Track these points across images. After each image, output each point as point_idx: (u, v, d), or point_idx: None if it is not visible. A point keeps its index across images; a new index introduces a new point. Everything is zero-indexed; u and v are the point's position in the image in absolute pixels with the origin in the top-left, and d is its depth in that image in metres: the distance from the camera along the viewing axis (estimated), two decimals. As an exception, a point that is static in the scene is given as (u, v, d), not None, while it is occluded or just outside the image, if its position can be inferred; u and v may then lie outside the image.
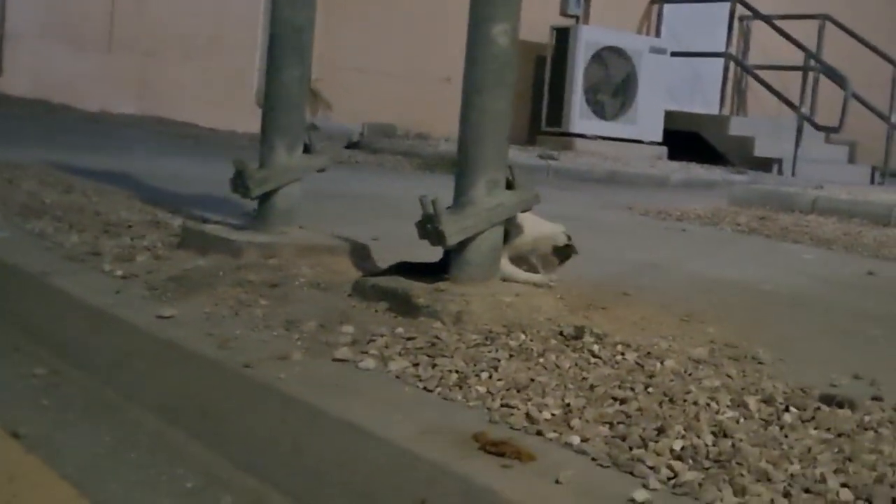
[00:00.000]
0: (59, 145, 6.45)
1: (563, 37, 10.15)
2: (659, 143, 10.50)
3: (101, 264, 2.75)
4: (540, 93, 10.35)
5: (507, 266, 2.67)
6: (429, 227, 2.49)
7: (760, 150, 10.68)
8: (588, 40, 10.05)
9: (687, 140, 10.69)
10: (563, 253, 2.76)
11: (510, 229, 2.62)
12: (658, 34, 11.61)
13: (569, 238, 2.77)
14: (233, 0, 9.58)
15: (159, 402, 2.08)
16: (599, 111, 10.24)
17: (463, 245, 2.51)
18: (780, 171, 10.50)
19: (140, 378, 2.16)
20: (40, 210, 3.51)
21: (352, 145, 8.96)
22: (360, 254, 3.00)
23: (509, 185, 2.57)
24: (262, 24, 9.09)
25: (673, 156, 10.41)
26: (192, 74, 9.87)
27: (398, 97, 9.78)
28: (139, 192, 4.27)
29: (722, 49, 11.59)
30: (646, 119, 10.46)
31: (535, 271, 2.72)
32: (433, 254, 2.67)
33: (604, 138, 10.14)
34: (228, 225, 3.21)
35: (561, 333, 2.36)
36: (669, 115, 10.70)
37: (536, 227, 2.72)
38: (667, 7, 11.77)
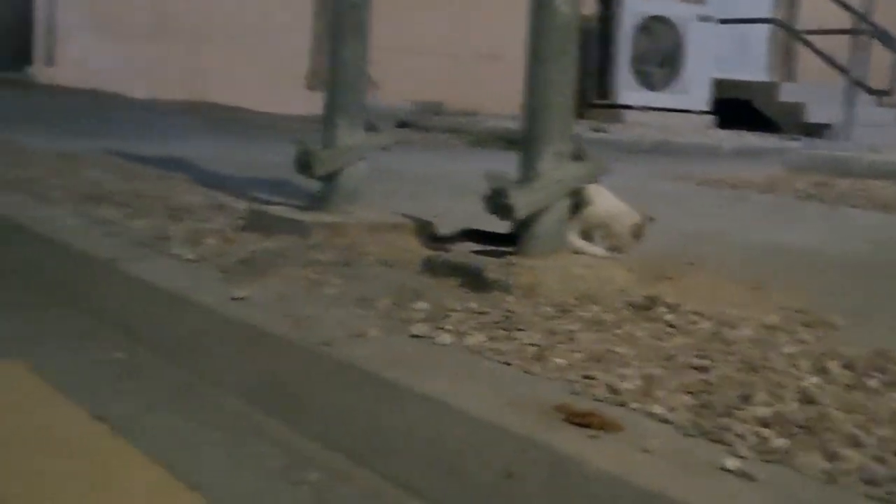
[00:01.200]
0: (114, 133, 6.50)
1: (608, 7, 10.05)
2: (708, 112, 10.39)
3: (170, 248, 2.76)
4: (588, 66, 10.27)
5: (573, 238, 2.65)
6: (497, 202, 2.48)
7: (811, 116, 10.53)
8: (634, 10, 9.95)
9: (736, 108, 10.57)
10: (637, 232, 2.74)
11: (579, 202, 2.60)
12: (704, 2, 11.46)
13: (645, 216, 2.75)
14: (279, -17, 9.59)
15: (238, 383, 2.09)
16: (647, 82, 10.15)
17: (532, 218, 2.50)
18: (831, 137, 10.35)
19: (217, 359, 2.18)
20: (105, 197, 3.53)
21: (401, 124, 8.95)
22: (424, 230, 3.00)
23: (576, 157, 2.55)
24: (312, 6, 9.11)
25: (722, 124, 10.30)
26: (241, 58, 9.91)
27: (445, 75, 9.75)
28: (198, 176, 4.29)
29: (769, 15, 11.42)
30: (694, 88, 10.36)
31: (610, 243, 2.71)
32: (496, 229, 2.67)
33: (652, 109, 10.05)
34: (293, 206, 3.22)
35: (633, 304, 2.35)
36: (718, 84, 10.58)
37: (608, 204, 2.70)
38: (712, -26, 11.62)
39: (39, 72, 12.61)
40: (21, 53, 12.97)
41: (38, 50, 12.72)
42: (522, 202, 2.46)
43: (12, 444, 1.79)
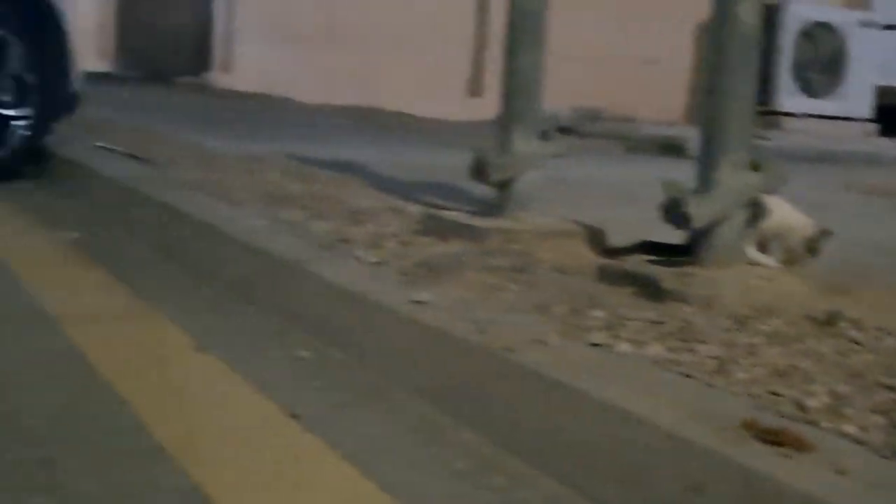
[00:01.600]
0: (288, 137, 6.65)
1: (770, 14, 9.76)
2: (870, 120, 9.99)
3: (352, 251, 2.80)
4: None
5: (749, 249, 2.58)
6: (674, 211, 2.43)
7: (979, 124, 10.01)
8: (796, 16, 9.64)
9: (900, 115, 10.14)
10: (813, 246, 2.64)
11: (757, 213, 2.52)
12: (869, 8, 11.03)
13: (822, 232, 2.65)
14: (444, -9, 9.65)
15: (422, 385, 2.10)
16: (808, 88, 9.82)
17: (709, 228, 2.43)
18: None
19: (401, 361, 2.19)
20: (286, 199, 3.61)
21: (560, 130, 8.89)
22: (596, 238, 2.96)
23: (755, 167, 2.47)
24: (474, 13, 9.14)
25: (885, 132, 9.89)
26: (406, 64, 10.01)
27: (602, 81, 9.64)
28: (370, 179, 4.34)
29: (937, 20, 10.91)
30: (856, 95, 9.97)
31: (785, 255, 2.62)
32: (662, 236, 2.62)
33: (812, 116, 9.72)
34: (466, 211, 3.22)
35: (813, 318, 2.26)
36: (881, 91, 10.16)
37: (785, 215, 2.61)
38: (877, -21, 11.17)
39: (217, 77, 13.04)
40: (201, 60, 13.44)
41: (216, 56, 13.17)
42: (700, 212, 2.40)
43: (217, 438, 1.84)
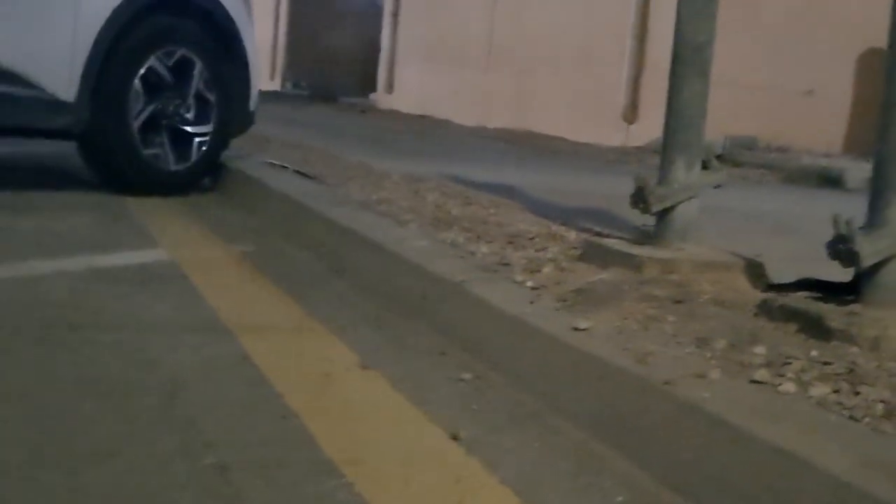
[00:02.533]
0: (447, 158, 6.70)
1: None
2: None
3: (511, 274, 2.78)
4: None
5: None
6: (841, 248, 2.33)
7: None
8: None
9: None
10: None
11: None
12: None
13: None
14: (602, 16, 9.59)
15: (580, 413, 2.06)
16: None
17: (877, 267, 2.32)
18: None
19: (561, 387, 2.16)
20: (449, 221, 3.63)
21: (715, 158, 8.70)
22: (755, 271, 2.87)
23: (927, 207, 2.35)
24: (630, 40, 9.05)
25: None
26: (562, 89, 9.99)
27: (758, 110, 9.40)
28: (528, 204, 4.33)
29: None
30: None
31: None
32: (830, 272, 2.51)
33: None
34: (625, 239, 3.17)
35: None
36: None
37: None
38: None
39: (380, 98, 13.28)
40: (365, 81, 13.72)
41: (380, 77, 13.41)
42: (868, 250, 2.30)
43: (382, 455, 1.85)
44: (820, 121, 9.27)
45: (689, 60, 2.97)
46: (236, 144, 5.41)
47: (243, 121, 5.20)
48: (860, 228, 2.36)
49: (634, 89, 9.12)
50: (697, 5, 2.98)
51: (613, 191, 3.78)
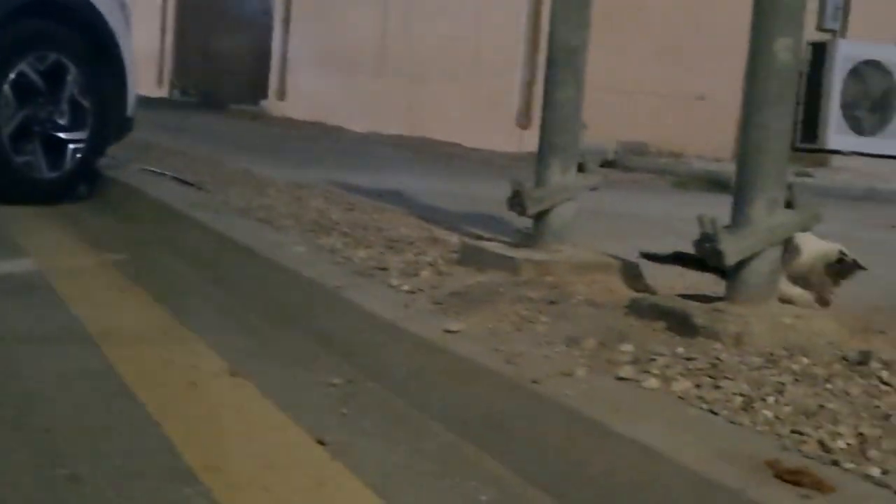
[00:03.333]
0: (336, 165, 6.70)
1: (819, 52, 9.69)
2: (920, 159, 9.85)
3: (388, 279, 2.80)
4: (794, 109, 9.92)
5: (785, 286, 2.54)
6: (707, 246, 2.40)
7: None
8: (845, 55, 9.56)
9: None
10: (839, 271, 2.57)
11: (788, 250, 2.49)
12: (919, 47, 10.91)
13: (844, 255, 2.58)
14: (493, 24, 9.69)
15: (450, 414, 2.09)
16: (856, 127, 9.71)
17: (741, 265, 2.41)
18: None
19: (431, 390, 2.19)
20: (329, 226, 3.63)
21: (605, 164, 8.87)
22: (630, 272, 2.94)
23: (788, 204, 2.45)
24: (523, 46, 9.17)
25: (935, 172, 9.74)
26: (455, 96, 10.06)
27: (650, 115, 9.61)
28: (413, 209, 4.36)
29: None
30: (906, 134, 9.84)
31: (816, 292, 2.57)
32: (701, 274, 2.60)
33: (861, 154, 9.61)
34: (504, 242, 3.22)
35: (845, 358, 2.22)
36: (931, 131, 10.02)
37: (813, 246, 2.56)
38: (928, 19, 11.04)
39: (272, 105, 13.19)
40: (256, 87, 13.61)
41: (271, 84, 13.33)
42: (732, 248, 2.37)
43: (243, 462, 1.85)
44: (710, 125, 9.52)
45: (563, 65, 3.03)
46: (115, 152, 5.32)
47: (121, 127, 5.12)
48: (726, 227, 2.44)
49: (527, 95, 9.23)
50: (570, 11, 3.05)
51: (503, 195, 3.83)
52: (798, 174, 8.21)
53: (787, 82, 2.42)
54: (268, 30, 13.37)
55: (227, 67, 14.35)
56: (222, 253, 3.42)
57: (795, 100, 2.47)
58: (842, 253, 2.49)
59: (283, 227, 3.59)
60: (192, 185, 4.68)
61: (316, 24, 12.47)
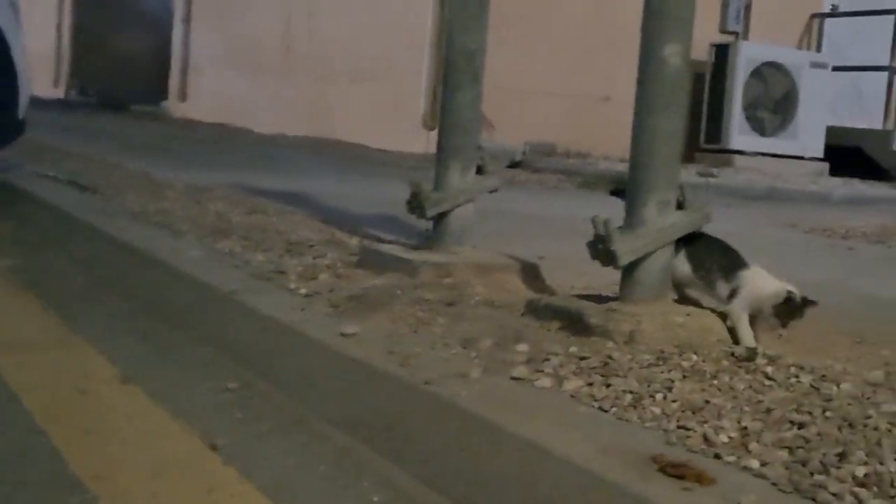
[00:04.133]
0: (240, 167, 6.67)
1: (722, 53, 9.93)
2: (820, 159, 10.17)
3: (286, 282, 2.82)
4: (699, 110, 10.16)
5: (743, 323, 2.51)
6: (600, 247, 2.47)
7: (926, 165, 10.23)
8: (748, 56, 9.82)
9: (849, 156, 10.32)
10: (789, 311, 2.47)
11: (737, 286, 2.48)
12: (819, 49, 11.26)
13: (792, 294, 2.51)
14: (400, 25, 9.73)
15: (345, 417, 2.12)
16: (759, 127, 9.98)
17: (634, 265, 2.48)
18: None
19: (326, 393, 2.21)
20: (227, 230, 3.63)
21: (514, 165, 8.97)
22: (530, 273, 3.00)
23: (680, 206, 2.53)
24: (429, 48, 9.22)
25: (834, 172, 10.06)
26: (361, 98, 10.07)
27: (558, 116, 9.75)
28: (316, 212, 4.37)
29: (886, 63, 11.14)
30: (806, 135, 10.15)
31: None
32: (599, 272, 2.66)
33: (763, 154, 9.88)
34: (404, 245, 3.26)
35: (733, 354, 2.31)
36: (831, 131, 10.35)
37: (761, 286, 2.53)
38: (828, 21, 11.41)
39: (173, 106, 13.03)
40: (157, 88, 13.43)
41: (173, 85, 13.17)
42: (624, 249, 2.45)
43: (132, 470, 1.85)
44: (617, 127, 9.66)
45: (462, 67, 3.08)
46: (6, 155, 5.22)
47: (11, 130, 5.02)
48: (618, 228, 2.50)
49: (434, 96, 9.28)
50: (468, 14, 3.10)
51: (405, 198, 3.84)
52: (702, 174, 8.41)
53: (676, 86, 2.50)
54: (169, 28, 13.20)
55: (126, 67, 14.12)
56: (116, 258, 3.39)
57: (688, 103, 2.54)
58: (790, 293, 2.48)
59: (180, 231, 3.57)
60: (87, 188, 4.62)
61: (218, 23, 12.35)
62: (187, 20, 12.87)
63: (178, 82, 13.01)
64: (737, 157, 9.77)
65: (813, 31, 11.47)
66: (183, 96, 12.97)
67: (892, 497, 1.54)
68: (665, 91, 2.49)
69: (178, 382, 2.35)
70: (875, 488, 1.57)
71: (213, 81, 12.25)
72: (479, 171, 3.18)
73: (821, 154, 10.19)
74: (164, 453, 1.93)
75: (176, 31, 13.11)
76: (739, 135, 9.81)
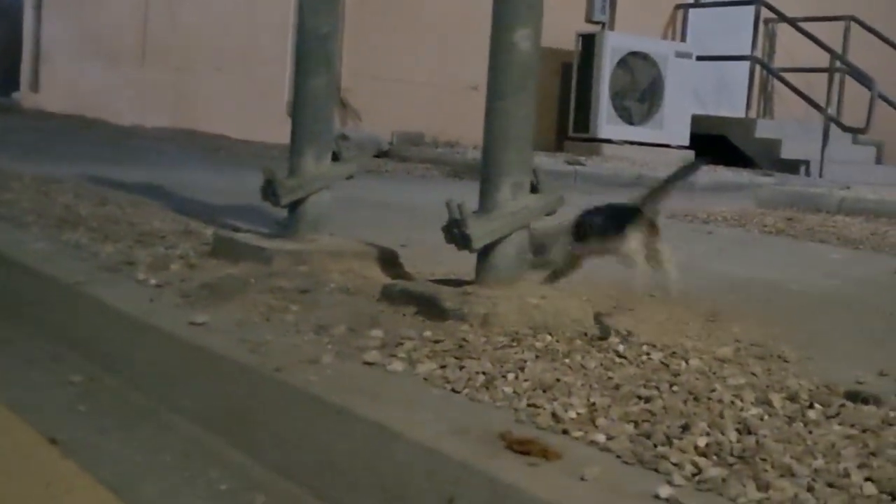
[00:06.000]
0: (94, 159, 6.52)
1: (588, 43, 10.15)
2: (686, 147, 10.47)
3: (135, 273, 2.78)
4: (567, 99, 10.35)
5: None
6: (455, 231, 2.50)
7: (787, 153, 10.63)
8: (614, 46, 10.05)
9: (713, 143, 10.66)
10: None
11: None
12: (683, 39, 11.59)
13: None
14: (263, 12, 9.64)
15: (193, 407, 2.11)
16: (626, 116, 10.23)
17: (489, 248, 2.52)
18: (807, 173, 10.45)
19: (174, 383, 2.19)
20: (75, 222, 3.55)
21: (381, 154, 9.00)
22: (388, 260, 3.02)
23: (534, 189, 2.58)
24: (292, 35, 9.15)
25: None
26: (224, 87, 9.94)
27: (426, 105, 9.81)
28: (172, 202, 4.31)
29: (748, 52, 11.54)
30: (672, 123, 10.44)
31: None
32: (460, 259, 2.69)
33: (631, 143, 10.13)
34: (259, 233, 3.24)
35: (586, 334, 2.37)
36: (696, 119, 10.67)
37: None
38: (692, 12, 11.75)
39: (25, 97, 12.64)
40: (9, 79, 13.01)
41: (25, 75, 12.77)
42: (479, 232, 2.49)
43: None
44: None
45: (313, 52, 3.08)
46: None
47: None
48: (473, 212, 2.54)
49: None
50: (319, -3, 3.10)
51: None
52: (570, 163, 8.58)
53: (527, 71, 2.54)
54: (20, 14, 12.80)
55: (-27, 56, 13.64)
56: (-46, 252, 3.29)
57: (536, 87, 2.59)
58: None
59: (24, 223, 3.48)
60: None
61: (71, 11, 12.03)
62: (39, 6, 12.49)
63: (30, 72, 12.62)
64: (605, 145, 9.99)
65: (677, 21, 11.80)
66: (35, 86, 12.59)
67: (731, 465, 1.60)
68: (515, 75, 2.54)
69: (19, 377, 2.30)
70: (715, 457, 1.63)
71: (68, 71, 11.92)
72: (336, 157, 3.18)
73: (687, 142, 10.51)
74: (2, 449, 1.89)
75: (27, 18, 12.71)
76: (607, 124, 10.04)
